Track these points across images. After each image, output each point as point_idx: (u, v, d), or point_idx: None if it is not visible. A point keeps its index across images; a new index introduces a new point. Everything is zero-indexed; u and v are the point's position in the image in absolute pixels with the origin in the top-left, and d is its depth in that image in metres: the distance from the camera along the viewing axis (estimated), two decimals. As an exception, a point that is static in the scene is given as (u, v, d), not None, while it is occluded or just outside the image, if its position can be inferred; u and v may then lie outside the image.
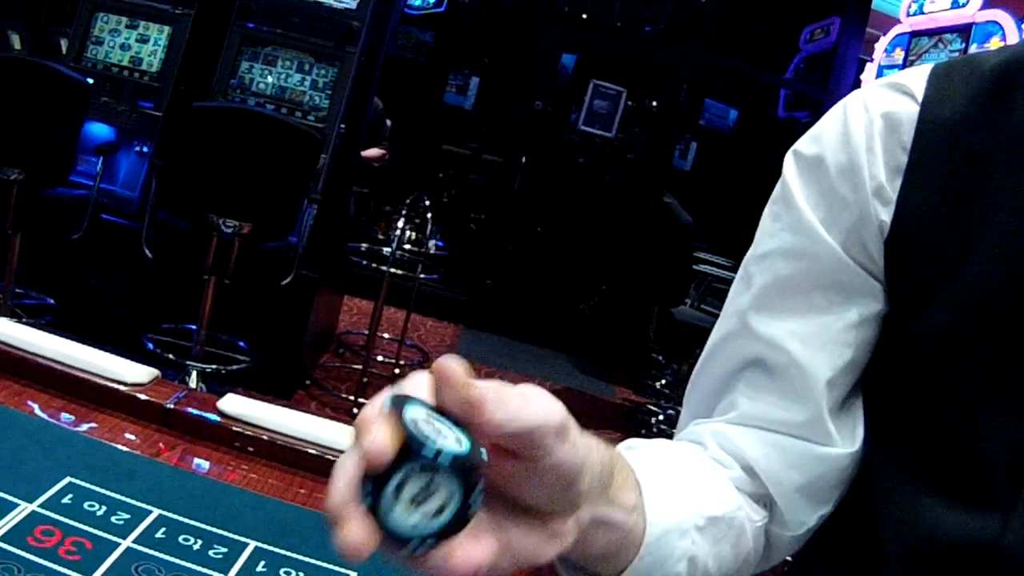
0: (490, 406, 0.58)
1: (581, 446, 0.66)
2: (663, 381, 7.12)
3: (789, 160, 1.04)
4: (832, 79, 8.19)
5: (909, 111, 0.96)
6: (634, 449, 0.94)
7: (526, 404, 0.60)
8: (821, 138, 1.00)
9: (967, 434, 0.93)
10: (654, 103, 8.47)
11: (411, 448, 0.55)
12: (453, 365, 0.58)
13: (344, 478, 0.57)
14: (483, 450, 0.58)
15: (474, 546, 0.59)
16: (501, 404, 0.58)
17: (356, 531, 0.55)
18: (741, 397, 1.03)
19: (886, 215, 0.95)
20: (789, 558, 1.08)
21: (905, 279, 0.96)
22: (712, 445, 1.01)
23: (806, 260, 0.99)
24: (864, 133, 0.97)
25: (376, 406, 0.59)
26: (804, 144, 1.03)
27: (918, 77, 0.98)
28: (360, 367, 5.62)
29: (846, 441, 1.00)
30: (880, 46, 8.17)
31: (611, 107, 8.30)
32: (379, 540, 0.56)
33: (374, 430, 0.55)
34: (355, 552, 0.55)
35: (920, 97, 0.96)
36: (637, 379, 7.43)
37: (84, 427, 1.38)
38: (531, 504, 0.66)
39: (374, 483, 0.55)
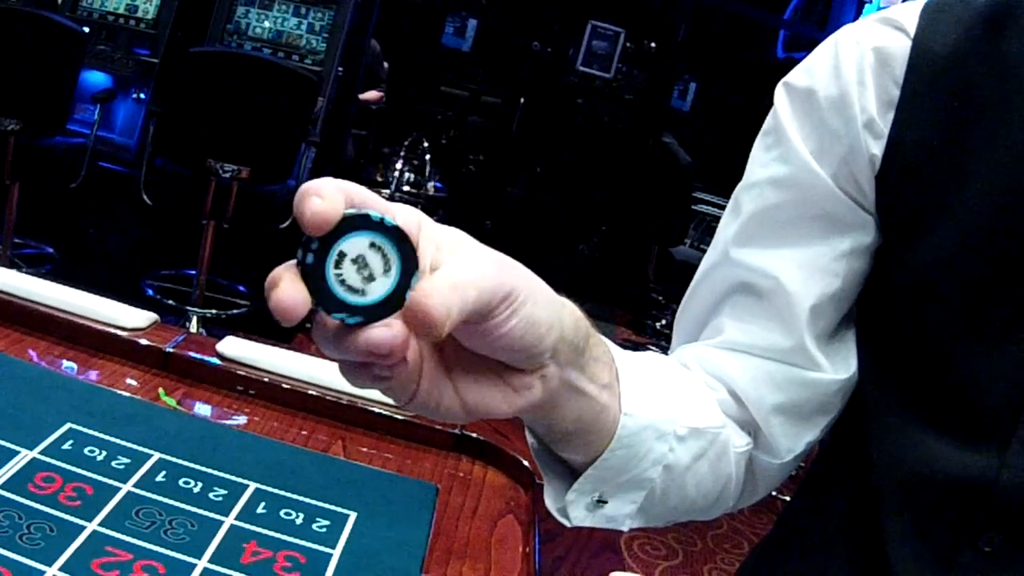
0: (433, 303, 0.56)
1: (544, 309, 0.65)
2: (663, 321, 7.14)
3: (780, 92, 1.03)
4: (831, 20, 8.12)
5: (901, 46, 0.95)
6: (620, 350, 0.91)
7: (465, 287, 0.58)
8: (812, 71, 1.00)
9: (961, 369, 0.94)
10: (652, 44, 8.39)
11: (356, 218, 0.56)
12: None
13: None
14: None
15: (391, 328, 0.57)
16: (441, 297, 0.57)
17: (289, 289, 0.55)
18: (727, 320, 1.03)
19: (877, 148, 0.95)
20: (788, 498, 1.08)
21: (897, 212, 0.96)
22: (696, 368, 1.02)
23: (796, 190, 0.99)
24: (855, 67, 0.96)
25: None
26: (795, 76, 1.02)
27: (910, 12, 0.97)
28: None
29: (837, 368, 1.00)
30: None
31: (609, 48, 8.23)
32: (311, 301, 0.55)
33: (325, 197, 0.55)
34: (288, 311, 0.55)
35: (912, 32, 0.95)
36: (637, 319, 7.45)
37: (84, 373, 1.39)
38: (493, 362, 0.67)
39: (318, 247, 0.56)
